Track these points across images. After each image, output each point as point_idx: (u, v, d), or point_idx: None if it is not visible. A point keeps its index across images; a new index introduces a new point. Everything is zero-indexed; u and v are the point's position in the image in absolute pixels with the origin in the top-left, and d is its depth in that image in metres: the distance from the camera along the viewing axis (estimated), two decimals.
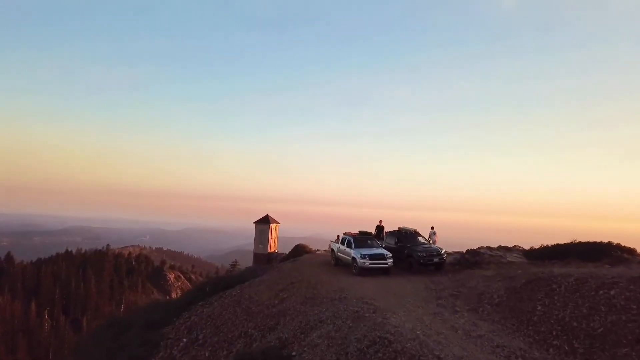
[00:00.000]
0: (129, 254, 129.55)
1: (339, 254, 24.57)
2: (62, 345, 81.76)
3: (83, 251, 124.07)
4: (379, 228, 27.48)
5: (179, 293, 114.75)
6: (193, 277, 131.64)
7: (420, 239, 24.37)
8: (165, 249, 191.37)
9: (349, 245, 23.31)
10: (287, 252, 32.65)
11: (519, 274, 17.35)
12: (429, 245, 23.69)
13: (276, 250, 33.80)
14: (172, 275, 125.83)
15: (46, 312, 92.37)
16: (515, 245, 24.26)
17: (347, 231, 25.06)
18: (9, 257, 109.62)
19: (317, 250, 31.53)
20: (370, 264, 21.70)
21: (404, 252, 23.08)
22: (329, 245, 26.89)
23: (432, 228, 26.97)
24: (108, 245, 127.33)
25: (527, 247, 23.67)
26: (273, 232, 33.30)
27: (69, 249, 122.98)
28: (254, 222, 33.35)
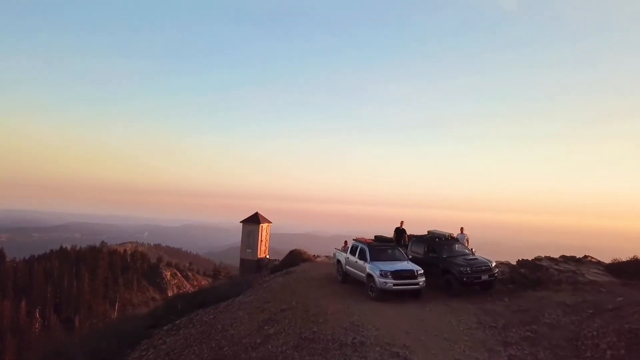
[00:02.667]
0: (125, 250, 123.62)
1: (348, 267, 18.04)
2: (54, 345, 76.83)
3: (78, 248, 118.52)
4: (400, 232, 20.53)
5: (176, 291, 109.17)
6: (190, 274, 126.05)
7: (457, 247, 17.81)
8: (164, 245, 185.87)
9: (362, 257, 16.89)
10: (280, 258, 26.25)
11: (624, 304, 11.01)
12: (472, 257, 16.98)
13: (267, 256, 27.44)
14: (169, 273, 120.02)
15: (37, 311, 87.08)
16: (586, 256, 17.44)
17: (358, 236, 18.44)
18: (0, 254, 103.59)
19: (317, 256, 24.76)
20: (395, 284, 15.14)
21: (439, 266, 16.64)
22: (334, 254, 20.11)
23: (462, 230, 20.15)
24: (103, 241, 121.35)
25: (598, 257, 17.34)
26: (264, 233, 27.05)
27: (64, 246, 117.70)
28: (240, 222, 27.20)
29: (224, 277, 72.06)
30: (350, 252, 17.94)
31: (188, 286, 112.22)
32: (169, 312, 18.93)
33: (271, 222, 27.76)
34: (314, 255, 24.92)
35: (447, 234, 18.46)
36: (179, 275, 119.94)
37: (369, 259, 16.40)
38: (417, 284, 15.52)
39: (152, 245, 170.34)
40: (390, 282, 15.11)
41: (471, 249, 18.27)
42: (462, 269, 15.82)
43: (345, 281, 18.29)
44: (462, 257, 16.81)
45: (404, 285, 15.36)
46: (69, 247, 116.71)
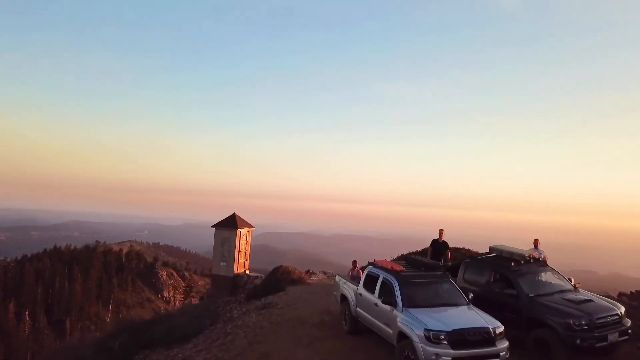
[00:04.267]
0: (120, 250, 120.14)
1: (360, 310, 10.56)
2: (42, 348, 73.49)
3: (72, 247, 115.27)
4: (439, 247, 13.18)
5: (171, 291, 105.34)
6: (187, 274, 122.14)
7: (547, 276, 10.29)
8: (163, 244, 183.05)
9: (387, 296, 9.34)
10: (265, 272, 20.66)
11: None
12: (580, 296, 9.48)
13: (247, 271, 20.84)
14: (165, 273, 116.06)
15: (27, 312, 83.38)
16: None
17: (378, 259, 11.27)
18: None
19: (310, 274, 19.22)
20: (456, 357, 7.76)
21: (521, 312, 9.32)
22: (337, 281, 12.43)
23: (537, 243, 12.34)
24: (97, 241, 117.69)
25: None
26: (243, 241, 20.55)
27: (58, 245, 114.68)
28: (212, 226, 21.61)
29: (196, 295, 65.14)
30: (365, 285, 10.38)
31: (184, 286, 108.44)
32: (100, 355, 13.98)
33: (253, 227, 21.26)
34: (307, 272, 19.07)
35: (526, 254, 10.45)
36: (175, 275, 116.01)
37: (399, 302, 8.82)
38: (497, 355, 7.90)
39: (150, 244, 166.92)
40: (446, 354, 7.61)
41: (569, 280, 10.37)
42: (571, 321, 8.35)
43: (356, 332, 10.76)
44: (561, 295, 9.35)
45: (474, 358, 7.80)
46: (67, 247, 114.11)
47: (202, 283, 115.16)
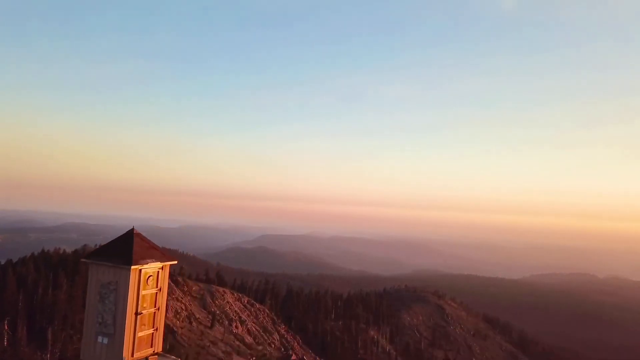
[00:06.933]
0: None
1: None
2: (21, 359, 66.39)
3: (61, 251, 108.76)
4: None
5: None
6: (180, 279, 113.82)
7: None
8: (160, 247, 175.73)
9: None
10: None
11: None
12: None
13: (155, 354, 7.52)
14: None
15: (6, 322, 76.08)
16: None
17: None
18: None
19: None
20: None
21: None
22: None
23: None
24: (85, 245, 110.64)
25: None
26: (148, 290, 7.75)
27: (53, 248, 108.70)
28: (82, 260, 8.73)
29: None
30: None
31: (177, 292, 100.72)
32: None
33: (174, 261, 8.46)
34: None
35: None
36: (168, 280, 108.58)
37: None
38: None
39: None
40: None
41: None
42: None
43: None
44: None
45: None
46: (56, 250, 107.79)
47: (197, 288, 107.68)
